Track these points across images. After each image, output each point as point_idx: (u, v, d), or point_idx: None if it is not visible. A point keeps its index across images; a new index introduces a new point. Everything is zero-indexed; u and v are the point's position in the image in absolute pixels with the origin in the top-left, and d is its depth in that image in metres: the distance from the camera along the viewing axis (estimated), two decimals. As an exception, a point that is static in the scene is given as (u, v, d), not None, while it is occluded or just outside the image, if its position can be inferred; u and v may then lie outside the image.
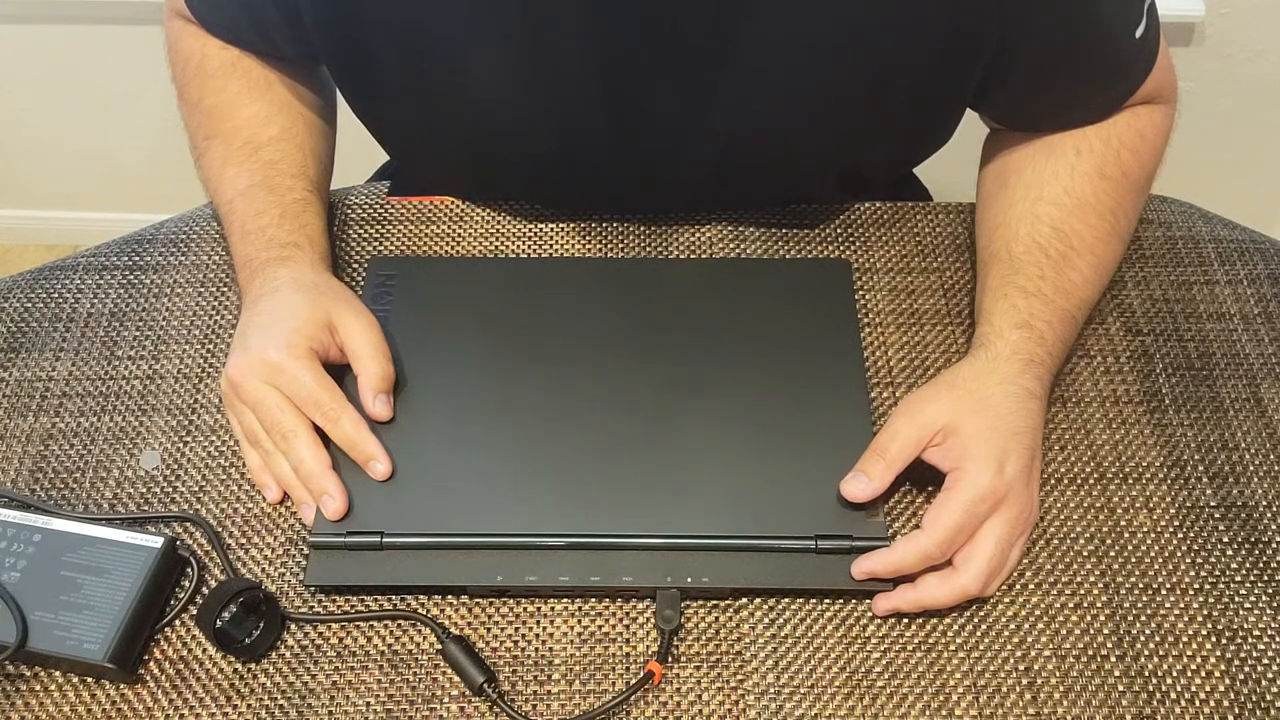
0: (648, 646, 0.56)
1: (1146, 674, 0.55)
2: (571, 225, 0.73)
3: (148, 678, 0.55)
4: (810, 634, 0.56)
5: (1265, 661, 0.55)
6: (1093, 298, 0.65)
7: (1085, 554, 0.59)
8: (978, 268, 0.67)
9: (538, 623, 0.56)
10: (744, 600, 0.57)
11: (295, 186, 0.67)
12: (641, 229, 0.72)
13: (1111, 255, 0.66)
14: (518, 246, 0.72)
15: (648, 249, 0.71)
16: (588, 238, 0.72)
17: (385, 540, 0.57)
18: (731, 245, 0.71)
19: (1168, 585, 0.58)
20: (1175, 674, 0.55)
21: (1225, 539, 0.59)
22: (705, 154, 0.67)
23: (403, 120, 0.70)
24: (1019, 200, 0.66)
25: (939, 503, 0.55)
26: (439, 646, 0.55)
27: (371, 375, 0.60)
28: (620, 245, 0.71)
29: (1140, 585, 0.58)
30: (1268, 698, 0.54)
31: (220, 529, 0.60)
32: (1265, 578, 0.58)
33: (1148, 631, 0.56)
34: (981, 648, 0.56)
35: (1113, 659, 0.55)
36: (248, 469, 0.61)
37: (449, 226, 0.73)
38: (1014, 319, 0.61)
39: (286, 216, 0.66)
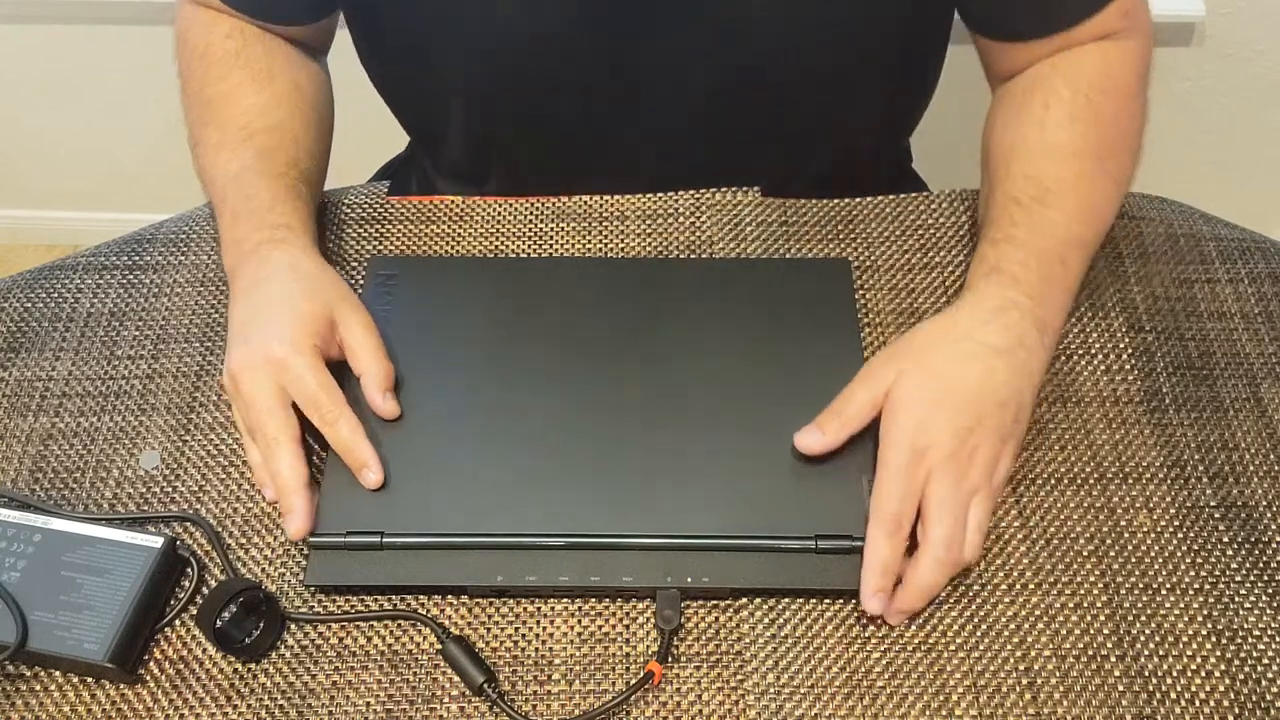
0: (648, 646, 0.56)
1: (1146, 674, 0.55)
2: (571, 225, 0.73)
3: (148, 678, 0.55)
4: (810, 634, 0.56)
5: (1265, 661, 0.55)
6: (1085, 235, 0.64)
7: (1085, 554, 0.59)
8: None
9: (538, 623, 0.56)
10: (744, 600, 0.57)
11: (288, 174, 0.67)
12: (641, 228, 0.72)
13: (1101, 194, 0.65)
14: (518, 246, 0.72)
15: (648, 249, 0.71)
16: (588, 238, 0.72)
17: (385, 540, 0.57)
18: (731, 245, 0.71)
19: (1168, 585, 0.58)
20: (1175, 674, 0.55)
21: (1225, 539, 0.59)
22: (693, 81, 0.68)
23: (401, 37, 0.71)
24: (997, 169, 0.66)
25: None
26: (439, 646, 0.55)
27: (376, 375, 0.60)
28: (620, 245, 0.71)
29: (1140, 585, 0.58)
30: (1268, 698, 0.54)
31: (220, 529, 0.60)
32: (1265, 578, 0.58)
33: (1148, 631, 0.56)
34: (981, 648, 0.56)
35: (1113, 659, 0.55)
36: (249, 463, 0.61)
37: (449, 226, 0.73)
38: (981, 270, 0.61)
39: (278, 200, 0.65)
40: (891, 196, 0.74)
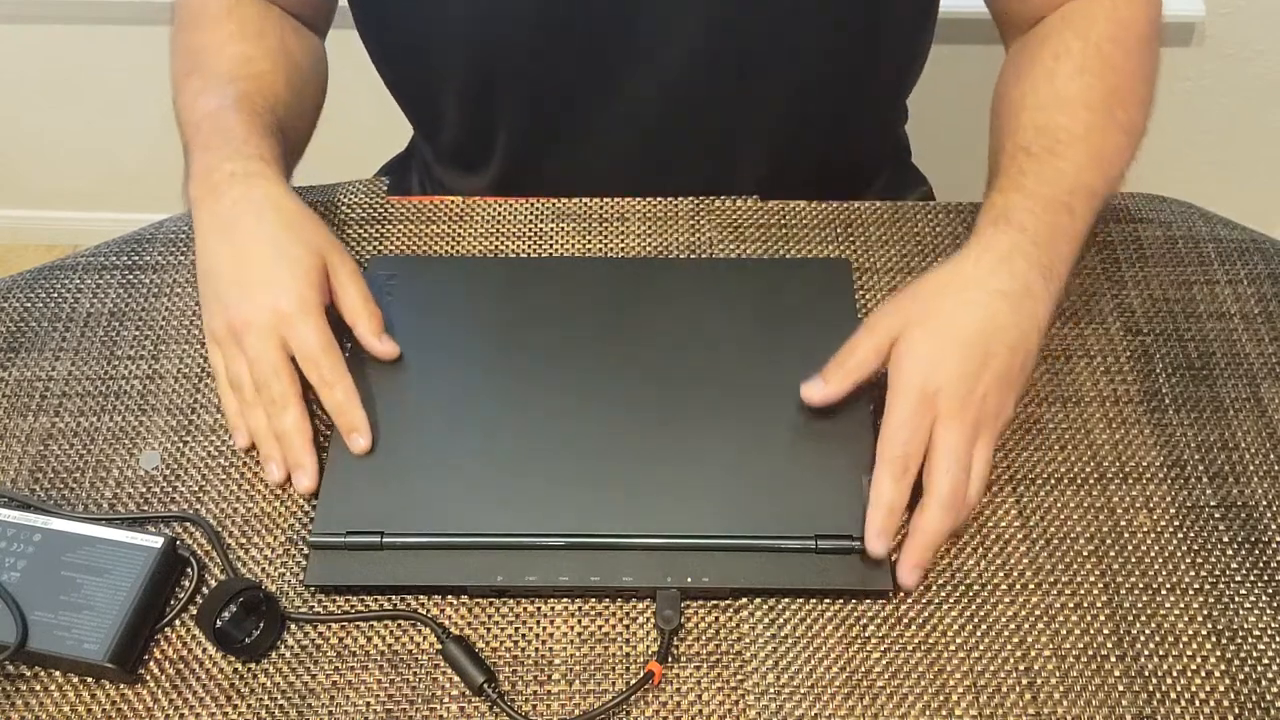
0: (648, 646, 0.56)
1: (1146, 674, 0.55)
2: (571, 225, 0.73)
3: (148, 678, 0.55)
4: (810, 634, 0.56)
5: (1265, 661, 0.55)
6: (1095, 184, 0.63)
7: (1085, 554, 0.59)
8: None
9: (538, 623, 0.56)
10: (744, 600, 0.57)
11: (265, 115, 0.66)
12: (641, 229, 0.72)
13: (1113, 145, 0.65)
14: (518, 246, 0.72)
15: (648, 250, 0.71)
16: (588, 238, 0.72)
17: (385, 540, 0.57)
18: (731, 245, 0.71)
19: (1168, 585, 0.58)
20: (1175, 674, 0.55)
21: (1225, 539, 0.59)
22: (687, 33, 0.68)
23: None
24: (1007, 121, 0.66)
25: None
26: (439, 646, 0.55)
27: (370, 320, 0.61)
28: (620, 246, 0.71)
29: (1140, 585, 0.58)
30: (1268, 698, 0.54)
31: (220, 529, 0.60)
32: (1265, 578, 0.58)
33: (1148, 631, 0.56)
34: (981, 648, 0.56)
35: (1113, 659, 0.55)
36: (222, 409, 0.61)
37: (449, 226, 0.73)
38: (988, 217, 0.61)
39: (253, 134, 0.64)
40: (891, 202, 0.74)
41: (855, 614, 0.57)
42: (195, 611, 0.56)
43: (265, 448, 0.60)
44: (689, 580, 0.56)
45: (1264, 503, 0.61)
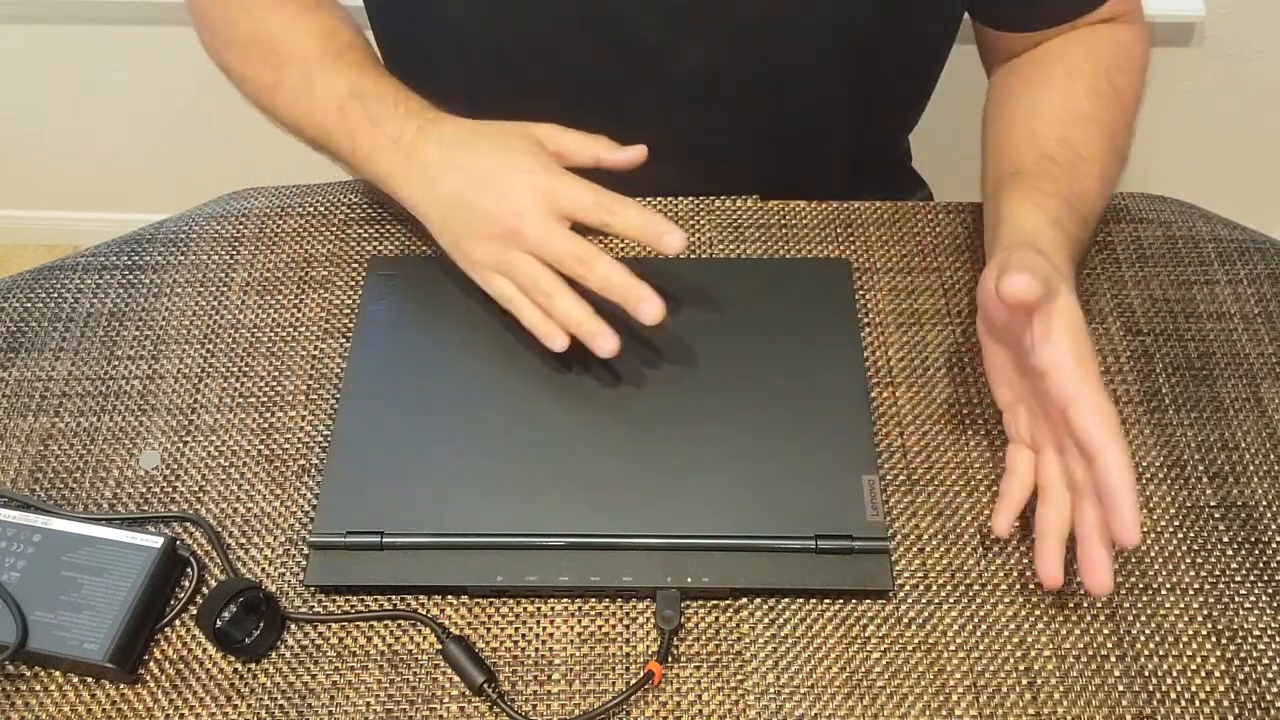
0: (648, 646, 0.56)
1: (1146, 674, 0.55)
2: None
3: (148, 678, 0.55)
4: (810, 634, 0.56)
5: (1265, 661, 0.55)
6: (1100, 211, 0.64)
7: (1085, 554, 0.59)
8: (985, 202, 0.66)
9: (538, 623, 0.56)
10: (744, 600, 0.57)
11: (381, 68, 0.67)
12: (641, 229, 0.72)
13: (1114, 171, 0.65)
14: (518, 246, 0.72)
15: (648, 249, 0.71)
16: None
17: (385, 540, 0.57)
18: (732, 247, 0.71)
19: (1168, 585, 0.58)
20: (1175, 674, 0.55)
21: (1225, 539, 0.59)
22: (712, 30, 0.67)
23: None
24: (1019, 127, 0.66)
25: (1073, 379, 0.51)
26: (439, 646, 0.55)
27: (601, 143, 0.61)
28: (620, 245, 0.71)
29: (1140, 585, 0.58)
30: (1268, 698, 0.54)
31: (220, 529, 0.60)
32: (1265, 578, 0.58)
33: (1148, 631, 0.56)
34: (981, 648, 0.56)
35: (1113, 659, 0.55)
36: (529, 325, 0.59)
37: (449, 226, 0.73)
38: (1044, 218, 0.58)
39: (399, 90, 0.64)
40: (891, 203, 0.74)
41: (855, 614, 0.57)
42: (195, 611, 0.56)
43: (591, 323, 0.58)
44: (689, 580, 0.56)
45: (1264, 503, 0.61)
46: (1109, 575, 0.51)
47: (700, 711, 0.54)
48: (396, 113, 0.63)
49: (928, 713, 0.54)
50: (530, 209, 0.58)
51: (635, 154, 0.62)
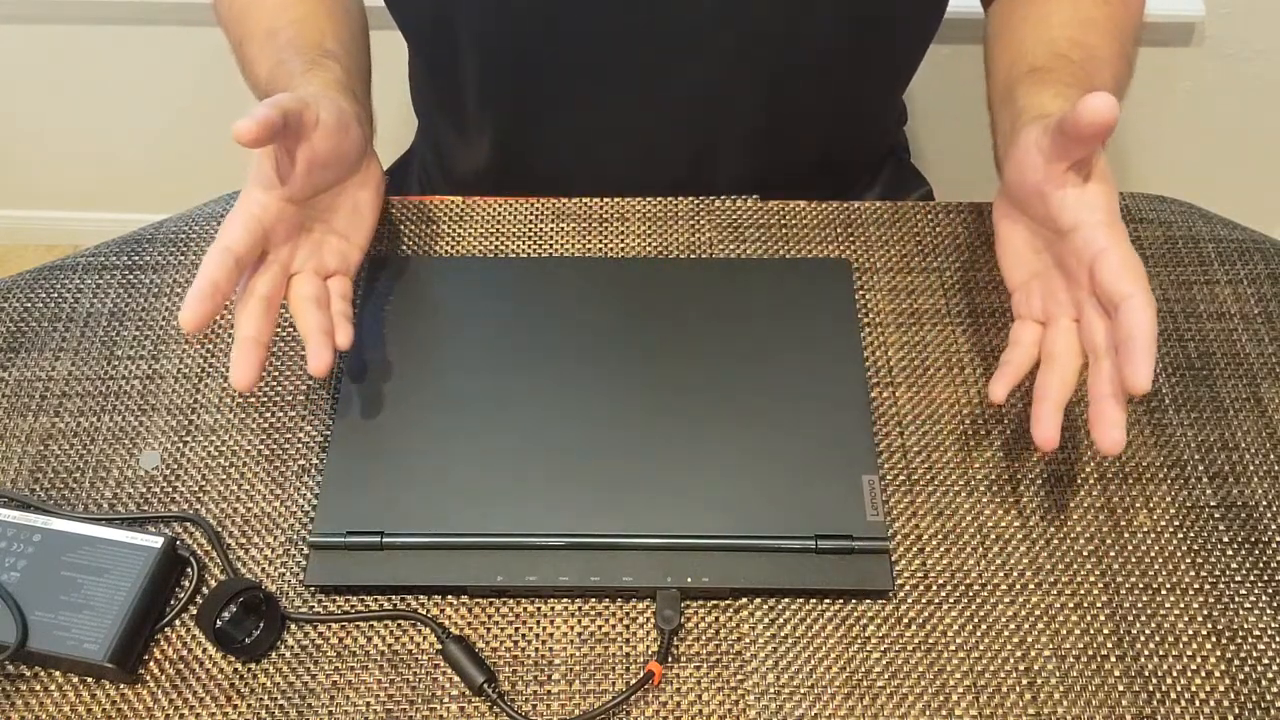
0: (648, 646, 0.56)
1: (1146, 674, 0.55)
2: (571, 225, 0.73)
3: (148, 678, 0.55)
4: (810, 634, 0.56)
5: (1265, 661, 0.55)
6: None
7: (1085, 554, 0.59)
8: (997, 109, 0.64)
9: (538, 623, 0.56)
10: (744, 600, 0.57)
11: (311, 51, 0.65)
12: (642, 229, 0.72)
13: (1125, 77, 0.64)
14: (518, 246, 0.72)
15: (648, 250, 0.71)
16: (588, 238, 0.72)
17: (385, 540, 0.57)
18: (732, 247, 0.71)
19: (1168, 585, 0.58)
20: (1175, 674, 0.55)
21: (1225, 539, 0.59)
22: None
23: None
24: (1029, 33, 0.64)
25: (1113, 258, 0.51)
26: (439, 646, 0.55)
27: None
28: (620, 246, 0.71)
29: (1140, 585, 0.58)
30: (1268, 698, 0.54)
31: (220, 529, 0.60)
32: (1265, 578, 0.58)
33: (1148, 631, 0.56)
34: (981, 648, 0.56)
35: (1113, 659, 0.55)
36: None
37: (449, 226, 0.73)
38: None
39: (303, 81, 0.63)
40: (891, 202, 0.74)
41: (855, 614, 0.57)
42: (195, 611, 0.56)
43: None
44: (689, 580, 0.56)
45: (1264, 503, 0.61)
46: (1122, 432, 0.49)
47: (700, 711, 0.54)
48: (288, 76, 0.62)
49: (928, 713, 0.54)
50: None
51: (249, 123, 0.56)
